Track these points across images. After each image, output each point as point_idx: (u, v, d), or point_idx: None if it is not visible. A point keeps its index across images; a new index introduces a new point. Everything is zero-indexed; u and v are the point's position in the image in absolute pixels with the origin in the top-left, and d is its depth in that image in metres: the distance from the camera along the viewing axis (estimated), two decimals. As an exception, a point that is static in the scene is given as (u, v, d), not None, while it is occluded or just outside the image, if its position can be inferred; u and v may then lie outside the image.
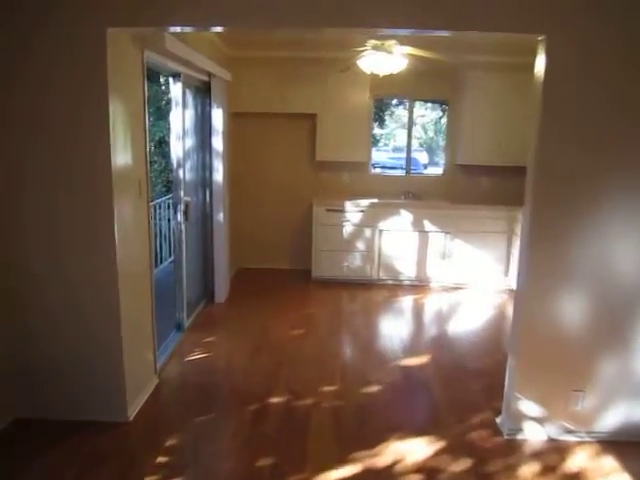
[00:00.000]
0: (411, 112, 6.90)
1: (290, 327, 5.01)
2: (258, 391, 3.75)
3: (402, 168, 7.31)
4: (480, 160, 6.45)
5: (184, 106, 4.57)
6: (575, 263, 3.06)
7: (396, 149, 11.09)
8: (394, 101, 9.22)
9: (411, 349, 4.65)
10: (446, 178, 6.90)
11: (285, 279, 6.59)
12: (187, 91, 4.72)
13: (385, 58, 4.49)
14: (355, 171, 6.82)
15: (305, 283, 6.43)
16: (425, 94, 6.82)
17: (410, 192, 6.75)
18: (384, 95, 7.00)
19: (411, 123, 6.92)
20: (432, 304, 5.96)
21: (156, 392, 3.71)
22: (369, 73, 4.72)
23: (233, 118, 6.07)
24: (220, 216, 5.42)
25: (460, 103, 6.54)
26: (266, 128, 6.73)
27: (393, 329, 5.19)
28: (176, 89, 4.41)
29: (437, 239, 6.33)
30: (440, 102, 7.78)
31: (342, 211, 6.30)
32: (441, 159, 8.03)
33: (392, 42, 4.40)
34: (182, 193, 4.56)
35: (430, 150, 11.98)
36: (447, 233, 6.31)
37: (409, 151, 6.96)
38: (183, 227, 4.63)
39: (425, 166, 10.47)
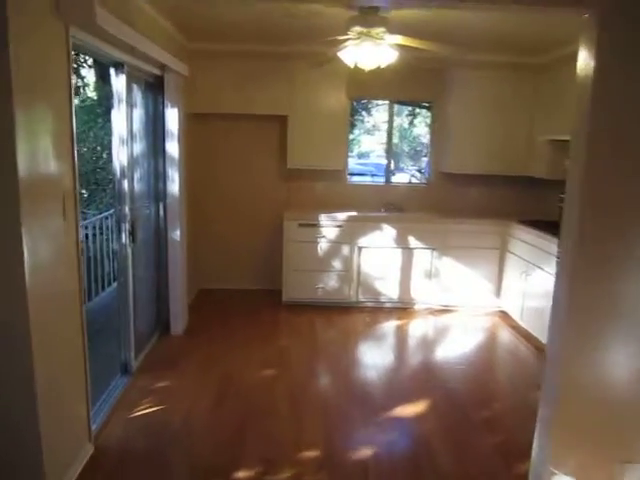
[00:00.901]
0: (391, 115, 6.23)
1: (260, 366, 4.25)
2: (221, 461, 2.98)
3: (371, 174, 6.67)
4: (469, 168, 5.83)
5: (131, 104, 3.77)
6: (630, 309, 2.42)
7: (361, 155, 10.47)
8: (368, 104, 8.55)
9: (403, 392, 3.94)
10: (430, 188, 6.26)
11: (252, 302, 5.82)
12: (135, 86, 3.92)
13: (372, 49, 3.79)
14: (330, 180, 6.11)
15: (275, 307, 5.67)
16: (407, 95, 6.16)
17: (391, 204, 6.08)
18: (362, 96, 6.32)
19: (391, 127, 6.26)
20: (419, 330, 5.30)
21: (90, 467, 2.89)
22: (352, 67, 4.01)
23: (191, 120, 5.28)
24: (176, 233, 4.62)
25: (446, 105, 5.92)
26: (229, 132, 5.96)
27: (380, 365, 4.48)
28: (119, 82, 3.61)
29: (422, 256, 5.68)
30: (419, 105, 7.14)
31: (316, 226, 5.57)
32: (407, 166, 7.49)
33: (381, 29, 3.70)
34: (127, 209, 3.75)
35: (395, 157, 11.32)
36: (433, 250, 5.67)
37: (389, 158, 6.29)
38: (129, 250, 3.81)
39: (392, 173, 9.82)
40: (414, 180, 8.14)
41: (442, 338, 5.12)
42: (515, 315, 5.48)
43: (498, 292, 5.78)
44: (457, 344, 4.98)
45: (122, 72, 3.59)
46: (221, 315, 5.40)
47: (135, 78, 3.89)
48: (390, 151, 6.27)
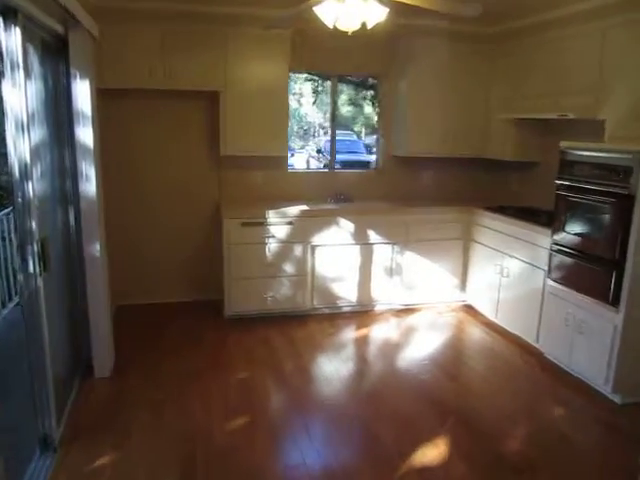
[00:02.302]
0: (335, 91, 5.42)
1: (226, 414, 3.32)
2: None
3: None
4: (425, 151, 5.23)
5: (27, 73, 2.62)
6: None
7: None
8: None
9: (414, 433, 3.20)
10: (381, 173, 5.58)
11: (189, 319, 4.81)
12: (31, 48, 2.77)
13: (358, 3, 2.95)
14: (269, 169, 5.21)
15: (218, 324, 4.72)
16: (354, 68, 5.38)
17: (340, 193, 5.32)
18: (305, 69, 5.43)
19: (335, 105, 5.46)
20: (386, 338, 4.61)
21: None
22: (331, 27, 3.15)
23: (98, 98, 4.10)
24: (94, 248, 3.51)
25: (398, 80, 5.25)
26: (148, 113, 4.85)
27: (368, 391, 3.74)
28: (10, 39, 2.46)
29: (382, 252, 5.01)
30: (364, 84, 6.40)
31: (263, 224, 4.67)
32: (297, 147, 6.84)
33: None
34: (34, 224, 2.63)
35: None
36: (394, 244, 5.01)
37: (333, 142, 5.50)
38: (39, 282, 2.69)
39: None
40: (313, 162, 7.45)
41: (413, 343, 4.49)
42: (485, 309, 5.03)
43: (463, 286, 5.28)
44: (443, 354, 4.37)
45: (15, 23, 2.44)
46: (153, 340, 4.34)
47: (30, 35, 2.74)
48: (333, 131, 5.47)
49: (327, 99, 8.20)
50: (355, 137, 10.22)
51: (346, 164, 6.75)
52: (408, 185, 5.55)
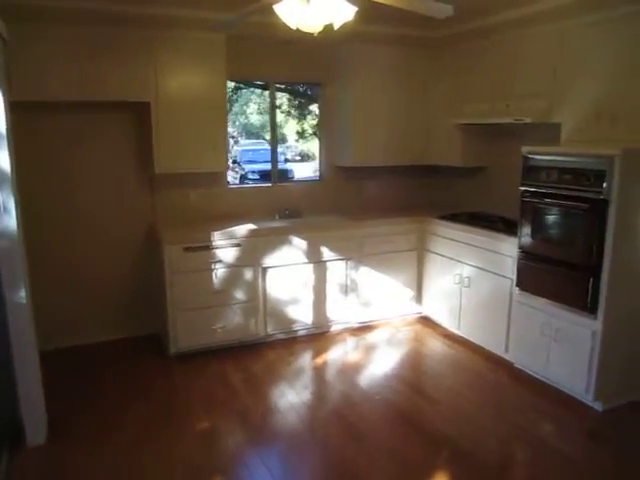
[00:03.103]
0: (273, 98, 5.06)
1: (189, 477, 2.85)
2: None
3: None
4: (370, 160, 5.02)
5: None
6: None
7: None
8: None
9: (406, 467, 2.92)
10: (325, 185, 5.28)
11: (129, 361, 4.23)
12: None
13: (325, 1, 2.63)
14: (207, 186, 4.74)
15: (163, 363, 4.19)
16: (294, 75, 5.05)
17: (285, 209, 4.96)
18: (241, 77, 5.01)
19: (274, 114, 5.10)
20: (348, 358, 4.32)
21: None
22: (294, 28, 2.80)
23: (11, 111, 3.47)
24: (18, 295, 2.91)
25: (341, 88, 4.98)
26: (65, 128, 4.24)
27: (343, 419, 3.39)
28: None
29: (336, 269, 4.71)
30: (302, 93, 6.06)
31: (209, 248, 4.21)
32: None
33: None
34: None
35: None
36: (348, 260, 4.72)
37: (275, 154, 5.13)
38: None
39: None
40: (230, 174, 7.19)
41: (376, 363, 4.22)
42: (444, 321, 4.89)
43: (419, 297, 5.11)
44: (401, 367, 4.14)
45: None
46: (90, 393, 3.74)
47: None
48: (275, 142, 5.11)
49: (236, 108, 7.81)
50: (268, 146, 9.89)
51: (264, 174, 6.37)
52: (355, 196, 5.31)
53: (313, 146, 7.28)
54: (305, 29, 2.79)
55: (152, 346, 4.45)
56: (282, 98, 7.67)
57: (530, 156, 3.73)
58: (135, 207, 4.53)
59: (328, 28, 2.82)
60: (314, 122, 6.71)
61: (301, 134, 7.61)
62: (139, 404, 3.57)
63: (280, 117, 9.22)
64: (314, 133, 7.10)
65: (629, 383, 3.53)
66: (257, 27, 3.77)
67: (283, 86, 5.23)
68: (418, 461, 2.95)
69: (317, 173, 5.40)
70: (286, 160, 8.67)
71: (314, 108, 6.11)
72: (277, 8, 2.71)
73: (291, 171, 7.45)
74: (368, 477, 2.82)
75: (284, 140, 9.87)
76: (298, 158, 8.58)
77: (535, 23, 3.95)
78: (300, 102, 6.63)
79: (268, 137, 9.93)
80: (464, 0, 3.56)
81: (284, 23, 3.01)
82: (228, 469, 2.90)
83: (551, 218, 3.64)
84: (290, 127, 8.40)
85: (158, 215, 4.57)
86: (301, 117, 7.31)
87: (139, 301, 4.62)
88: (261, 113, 9.59)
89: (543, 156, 3.63)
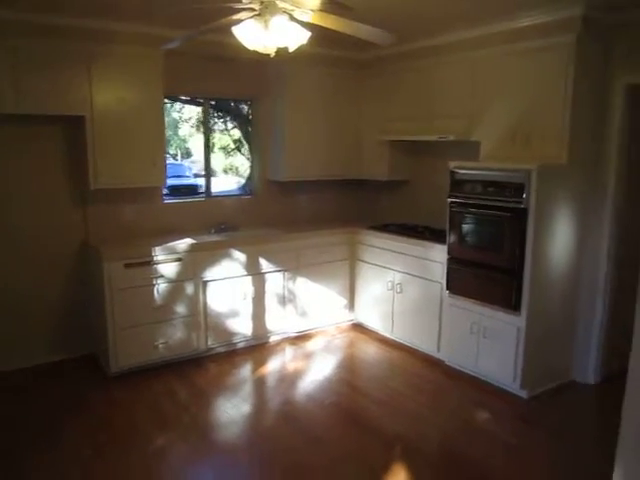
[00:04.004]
0: (207, 115, 5.11)
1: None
2: None
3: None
4: (302, 175, 5.22)
5: None
6: None
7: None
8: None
9: (370, 469, 3.10)
10: (258, 199, 5.40)
11: (66, 385, 4.06)
12: None
13: (281, 25, 2.79)
14: (141, 202, 4.69)
15: (104, 384, 4.07)
16: (226, 92, 5.12)
17: (221, 223, 5.02)
18: (175, 92, 4.99)
19: (208, 130, 5.15)
20: (291, 367, 4.43)
21: None
22: (252, 49, 2.92)
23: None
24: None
25: (272, 104, 5.15)
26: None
27: (300, 426, 3.50)
28: None
29: (274, 281, 4.84)
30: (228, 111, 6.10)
31: (150, 263, 4.17)
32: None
33: (313, 2, 2.74)
34: None
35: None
36: (285, 271, 4.87)
37: (208, 168, 5.18)
38: None
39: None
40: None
41: (319, 370, 4.38)
42: (377, 326, 5.16)
43: (352, 305, 5.35)
44: (343, 373, 4.34)
45: None
46: (24, 426, 3.55)
47: None
48: (208, 158, 5.15)
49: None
50: (172, 160, 9.76)
51: (174, 189, 6.36)
52: (288, 209, 5.47)
53: (236, 160, 7.36)
54: (261, 50, 2.94)
55: (90, 368, 4.32)
56: (192, 112, 7.65)
57: (457, 170, 4.10)
58: (67, 223, 4.38)
59: (281, 49, 2.99)
60: (237, 137, 6.80)
61: (224, 149, 7.64)
62: (86, 430, 3.44)
63: (185, 131, 9.16)
64: (237, 148, 7.18)
65: (548, 372, 3.97)
66: (196, 44, 3.84)
67: (213, 102, 5.27)
68: (373, 459, 3.14)
69: (238, 186, 5.51)
70: (195, 175, 8.65)
71: (238, 123, 6.22)
72: (236, 30, 2.83)
73: (201, 186, 7.43)
74: (326, 478, 2.96)
75: (189, 154, 9.79)
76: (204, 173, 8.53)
77: (450, 51, 4.37)
78: (222, 117, 6.68)
79: (172, 151, 9.78)
80: (387, 27, 3.87)
81: (223, 41, 3.15)
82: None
83: (477, 226, 4.02)
84: (197, 141, 8.35)
85: (91, 231, 4.45)
86: (224, 132, 7.36)
87: (72, 321, 4.46)
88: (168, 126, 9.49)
89: (468, 170, 4.02)
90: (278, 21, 2.78)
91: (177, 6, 3.41)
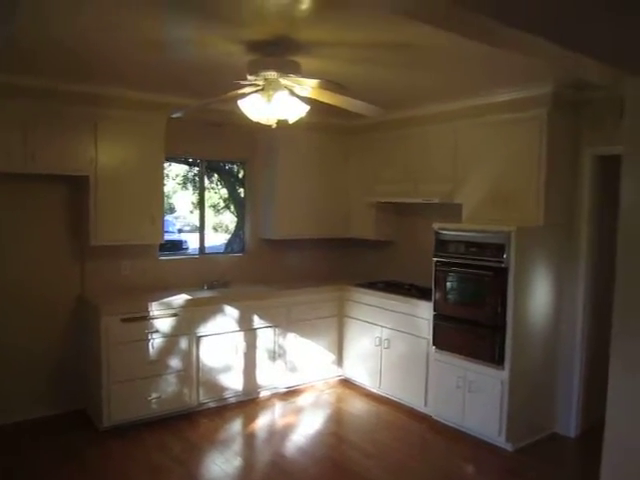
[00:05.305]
0: (202, 176, 5.37)
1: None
2: None
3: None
4: (293, 233, 5.44)
5: None
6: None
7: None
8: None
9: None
10: (250, 257, 5.59)
11: (56, 441, 4.05)
12: None
13: (282, 99, 3.08)
14: (137, 257, 4.84)
15: (96, 440, 4.07)
16: (220, 154, 5.41)
17: (214, 280, 5.17)
18: (175, 155, 5.24)
19: (203, 189, 5.39)
20: (282, 422, 4.51)
21: None
22: (255, 120, 3.19)
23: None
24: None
25: (266, 166, 5.43)
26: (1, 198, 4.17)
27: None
28: None
29: (265, 336, 4.96)
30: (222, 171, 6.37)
31: (146, 318, 4.29)
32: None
33: (293, 77, 3.05)
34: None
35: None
36: (276, 327, 5.01)
37: (202, 226, 5.38)
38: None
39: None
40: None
41: (309, 425, 4.45)
42: (365, 381, 5.26)
43: (340, 361, 5.47)
44: (334, 428, 4.43)
45: None
46: (24, 475, 3.55)
47: None
48: (202, 216, 5.36)
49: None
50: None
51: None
52: (279, 267, 5.65)
53: (224, 218, 7.58)
54: (263, 122, 3.21)
55: (80, 423, 4.32)
56: (179, 169, 7.91)
57: (441, 231, 4.36)
58: (64, 277, 4.49)
59: (281, 121, 3.27)
60: (225, 196, 7.05)
61: (214, 207, 7.88)
62: (79, 481, 3.46)
63: (169, 187, 9.40)
64: (226, 206, 7.42)
65: (532, 424, 4.12)
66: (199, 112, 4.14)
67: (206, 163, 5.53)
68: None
69: (226, 243, 5.78)
70: (179, 230, 8.80)
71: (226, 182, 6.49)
72: (241, 103, 3.11)
73: (185, 242, 7.58)
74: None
75: (172, 210, 9.98)
76: (188, 228, 8.71)
77: (433, 121, 4.74)
78: (211, 176, 6.96)
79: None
80: (374, 99, 4.23)
81: (220, 108, 3.43)
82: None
83: (461, 284, 4.24)
84: (181, 198, 8.56)
85: (88, 286, 4.57)
86: (211, 189, 7.63)
87: (63, 375, 4.49)
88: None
89: (452, 232, 4.28)
90: (280, 96, 3.08)
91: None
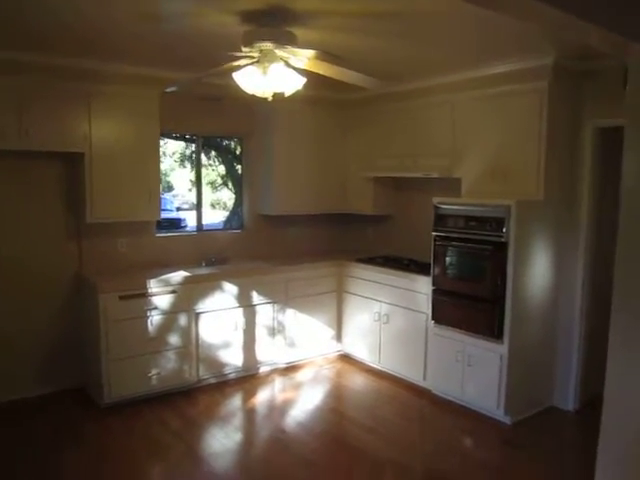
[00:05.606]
0: (199, 153, 5.31)
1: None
2: None
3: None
4: (291, 209, 5.40)
5: None
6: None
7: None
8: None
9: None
10: (248, 233, 5.56)
11: (58, 415, 4.08)
12: None
13: (279, 71, 3.01)
14: (135, 235, 4.81)
15: (97, 416, 4.10)
16: (218, 129, 5.33)
17: (212, 256, 5.15)
18: (171, 130, 5.16)
19: (200, 166, 5.33)
20: (283, 397, 4.54)
21: None
22: (250, 93, 3.12)
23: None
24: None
25: (262, 141, 5.36)
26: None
27: (302, 455, 3.58)
28: None
29: (264, 312, 4.96)
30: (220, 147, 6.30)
31: (145, 295, 4.27)
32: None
33: (289, 48, 2.97)
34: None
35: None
36: (275, 303, 5.00)
37: (200, 203, 5.33)
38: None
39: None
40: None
41: (310, 400, 4.48)
42: (364, 356, 5.27)
43: (339, 336, 5.48)
44: (334, 402, 4.46)
45: None
46: (26, 451, 3.58)
47: None
48: (200, 193, 5.31)
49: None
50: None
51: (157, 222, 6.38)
52: (277, 243, 5.63)
53: (222, 195, 7.53)
54: (259, 95, 3.15)
55: (79, 400, 4.34)
56: (176, 147, 7.82)
57: (440, 206, 4.32)
58: (61, 255, 4.47)
59: (277, 94, 3.20)
60: (223, 172, 6.99)
61: (212, 184, 7.83)
62: (77, 455, 3.49)
63: (166, 165, 9.29)
64: (224, 183, 7.37)
65: (530, 398, 4.14)
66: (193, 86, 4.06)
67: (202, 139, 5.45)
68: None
69: (224, 220, 5.81)
70: (178, 209, 8.75)
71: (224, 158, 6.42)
72: (236, 75, 3.04)
73: (183, 220, 7.55)
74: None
75: (170, 188, 9.89)
76: (186, 207, 8.66)
77: (432, 94, 4.66)
78: (208, 152, 6.89)
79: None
80: (373, 71, 4.14)
81: (216, 82, 3.34)
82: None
83: (460, 259, 4.22)
84: (179, 176, 8.50)
85: (85, 263, 4.55)
86: (209, 167, 7.57)
87: (62, 353, 4.49)
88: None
89: (451, 206, 4.25)
90: (276, 68, 3.01)
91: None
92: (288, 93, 3.17)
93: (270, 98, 3.15)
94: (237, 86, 3.12)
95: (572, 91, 4.00)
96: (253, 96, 3.19)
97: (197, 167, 5.28)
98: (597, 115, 3.94)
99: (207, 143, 5.98)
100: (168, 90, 3.50)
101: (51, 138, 4.01)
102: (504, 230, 3.85)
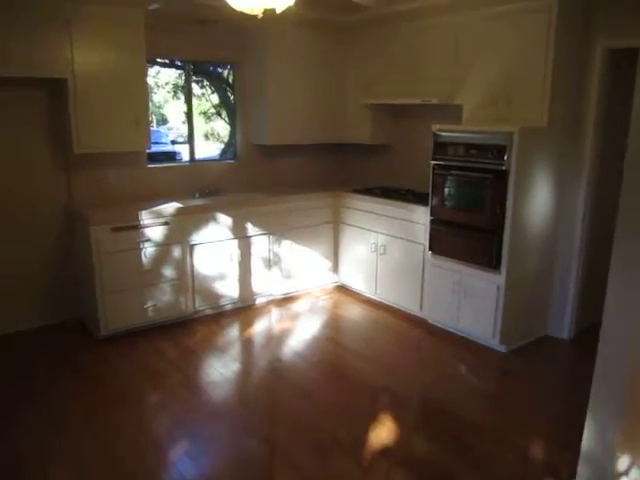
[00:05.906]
0: (189, 78, 5.07)
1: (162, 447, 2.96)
2: None
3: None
4: (287, 139, 5.23)
5: None
6: None
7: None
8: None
9: (359, 419, 3.26)
10: (243, 164, 5.41)
11: (57, 346, 4.11)
12: None
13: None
14: (125, 166, 4.67)
15: (94, 346, 4.13)
16: (207, 54, 5.06)
17: (205, 187, 5.03)
18: (158, 55, 4.90)
19: (190, 93, 5.10)
20: (279, 327, 4.56)
21: None
22: (239, 10, 2.90)
23: None
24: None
25: (255, 68, 5.12)
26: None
27: (297, 383, 3.63)
28: None
29: (260, 244, 4.90)
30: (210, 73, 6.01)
31: (137, 227, 4.20)
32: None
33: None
34: None
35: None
36: (270, 234, 4.94)
37: (191, 133, 5.15)
38: None
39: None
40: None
41: (307, 331, 4.50)
42: (361, 287, 5.28)
43: (336, 267, 5.46)
44: (331, 332, 4.48)
45: None
46: (23, 381, 3.62)
47: None
48: (191, 122, 5.12)
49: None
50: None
51: (152, 155, 6.19)
52: (272, 173, 5.50)
53: (216, 125, 7.29)
54: (248, 12, 2.92)
55: (77, 332, 4.36)
56: (169, 77, 7.52)
57: (439, 133, 4.17)
58: (50, 188, 4.36)
59: (268, 11, 2.98)
60: (216, 102, 6.73)
61: (205, 114, 7.57)
62: (74, 384, 3.53)
63: (160, 97, 8.94)
64: (217, 113, 7.12)
65: (525, 327, 4.16)
66: (178, 5, 3.81)
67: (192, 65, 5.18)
68: (364, 409, 3.29)
69: (220, 152, 5.62)
70: (172, 142, 8.53)
71: (217, 87, 6.15)
72: (224, -9, 2.81)
73: (179, 153, 7.37)
74: (322, 426, 3.10)
75: (165, 121, 9.58)
76: (181, 140, 8.43)
77: (432, 15, 4.39)
78: (201, 81, 6.60)
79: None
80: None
81: (205, 3, 3.11)
82: (186, 436, 3.03)
83: (459, 188, 4.12)
84: (174, 108, 8.21)
85: (75, 196, 4.44)
86: (202, 97, 7.29)
87: (57, 286, 4.48)
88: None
89: (451, 133, 4.09)
90: (266, -19, 2.77)
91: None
92: (279, 9, 2.95)
93: (260, 15, 2.92)
94: (225, 6, 2.89)
95: (583, 9, 3.75)
96: (244, 16, 2.97)
97: (187, 95, 5.06)
98: (608, 35, 3.71)
99: (198, 70, 5.72)
100: (151, 7, 3.26)
101: (31, 63, 3.80)
102: (505, 158, 3.72)
